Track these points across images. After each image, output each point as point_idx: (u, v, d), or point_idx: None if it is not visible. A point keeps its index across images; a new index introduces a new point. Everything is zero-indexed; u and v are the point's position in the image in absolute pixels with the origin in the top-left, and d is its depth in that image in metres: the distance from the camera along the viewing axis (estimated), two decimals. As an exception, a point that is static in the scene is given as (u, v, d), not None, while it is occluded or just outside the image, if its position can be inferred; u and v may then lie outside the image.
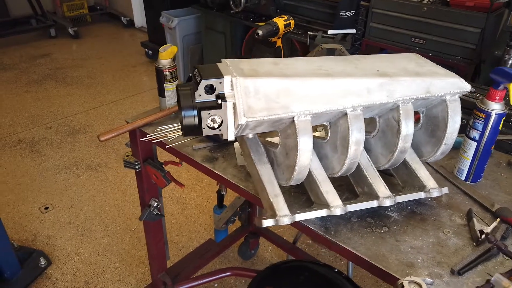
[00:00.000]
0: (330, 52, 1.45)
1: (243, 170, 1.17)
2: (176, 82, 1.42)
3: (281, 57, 1.71)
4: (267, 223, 0.90)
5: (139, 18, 5.87)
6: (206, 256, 2.07)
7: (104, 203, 2.67)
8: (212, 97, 0.84)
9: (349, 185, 1.07)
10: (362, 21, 2.72)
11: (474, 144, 1.08)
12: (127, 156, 1.49)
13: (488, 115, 1.03)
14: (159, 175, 1.44)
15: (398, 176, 1.08)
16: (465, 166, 1.12)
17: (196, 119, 0.84)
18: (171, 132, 1.34)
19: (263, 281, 1.30)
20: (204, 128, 0.85)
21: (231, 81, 0.83)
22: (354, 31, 2.78)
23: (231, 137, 0.88)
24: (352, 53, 2.86)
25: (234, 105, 0.83)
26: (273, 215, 0.90)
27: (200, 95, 0.83)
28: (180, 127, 1.31)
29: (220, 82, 0.83)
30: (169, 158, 1.45)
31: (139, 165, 1.47)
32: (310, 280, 1.32)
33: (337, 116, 0.91)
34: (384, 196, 0.96)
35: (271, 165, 0.97)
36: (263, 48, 3.62)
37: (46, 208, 2.63)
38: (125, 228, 2.50)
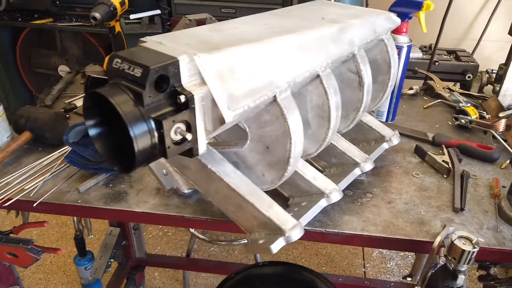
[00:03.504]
0: (200, 23, 1.21)
1: (175, 195, 0.85)
2: None
3: (123, 46, 1.34)
4: (277, 245, 0.65)
5: None
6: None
7: None
8: (163, 96, 0.52)
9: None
10: (165, 0, 2.48)
11: (391, 82, 1.07)
12: None
13: (400, 49, 1.02)
14: (21, 251, 0.94)
15: (348, 135, 0.97)
16: (385, 107, 1.11)
17: (155, 137, 0.51)
18: (28, 181, 0.87)
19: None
20: (168, 147, 0.53)
21: (191, 63, 0.53)
22: (158, 11, 2.52)
23: (203, 148, 0.58)
24: (164, 36, 2.59)
25: (203, 99, 0.54)
26: (278, 232, 0.66)
27: (150, 97, 0.50)
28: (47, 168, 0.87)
29: (175, 69, 0.52)
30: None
31: (-22, 249, 0.93)
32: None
33: (305, 82, 0.71)
34: (362, 160, 0.83)
35: (237, 171, 0.71)
36: (44, 52, 2.97)
37: None
38: None
